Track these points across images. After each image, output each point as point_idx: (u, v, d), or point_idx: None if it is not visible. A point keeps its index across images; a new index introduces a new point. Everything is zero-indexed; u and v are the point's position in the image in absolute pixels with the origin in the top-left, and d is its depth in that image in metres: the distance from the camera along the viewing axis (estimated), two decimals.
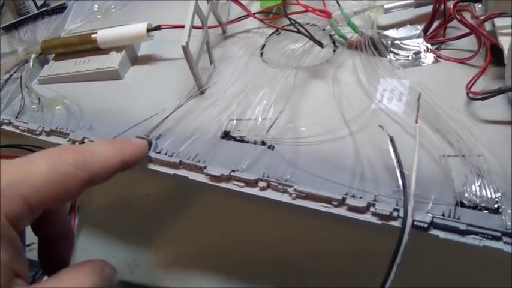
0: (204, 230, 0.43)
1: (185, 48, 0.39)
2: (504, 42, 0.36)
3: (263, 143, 0.36)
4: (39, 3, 0.71)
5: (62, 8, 0.61)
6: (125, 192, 0.47)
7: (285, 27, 0.44)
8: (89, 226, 0.48)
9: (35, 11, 0.66)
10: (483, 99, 0.35)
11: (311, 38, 0.40)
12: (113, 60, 0.49)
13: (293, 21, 0.42)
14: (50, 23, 0.60)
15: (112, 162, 0.29)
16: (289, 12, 0.44)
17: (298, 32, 0.41)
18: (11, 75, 0.55)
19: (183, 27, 0.41)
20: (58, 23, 0.58)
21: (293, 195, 0.31)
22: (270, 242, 0.40)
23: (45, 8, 0.62)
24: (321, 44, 0.40)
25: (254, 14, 0.47)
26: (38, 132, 0.45)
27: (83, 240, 0.47)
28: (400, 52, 0.42)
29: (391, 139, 0.32)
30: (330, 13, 0.42)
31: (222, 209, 0.42)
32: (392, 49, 0.42)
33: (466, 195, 0.30)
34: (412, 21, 0.44)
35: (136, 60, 0.51)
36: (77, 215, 0.47)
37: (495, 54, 0.37)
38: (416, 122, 0.33)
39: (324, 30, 0.43)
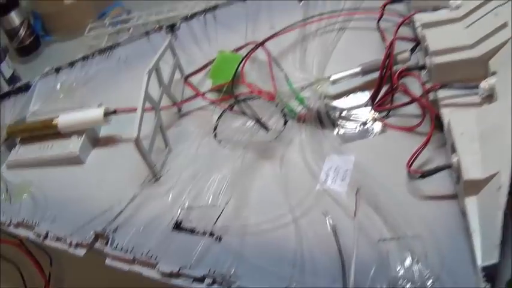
0: None
1: (136, 143, 0.42)
2: (445, 113, 0.40)
3: (211, 234, 0.39)
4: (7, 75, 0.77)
5: (26, 87, 0.64)
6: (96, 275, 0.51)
7: (234, 107, 0.48)
8: None
9: (5, 86, 0.72)
10: (423, 177, 0.38)
11: (257, 121, 0.44)
12: (74, 145, 0.52)
13: (239, 101, 0.45)
14: (15, 102, 0.64)
15: None
16: (239, 93, 0.48)
17: (245, 114, 0.45)
18: None
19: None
20: (23, 103, 0.62)
21: None
22: None
23: (12, 87, 0.67)
24: (266, 128, 0.44)
25: (205, 92, 0.51)
26: (7, 225, 0.49)
27: None
28: (348, 124, 0.45)
29: (333, 229, 0.35)
30: (274, 95, 0.45)
31: None
32: (340, 122, 0.45)
33: (400, 281, 0.33)
34: (363, 87, 0.47)
35: (97, 142, 0.55)
36: None
37: (441, 121, 0.40)
38: (355, 215, 0.36)
39: (277, 105, 0.47)
